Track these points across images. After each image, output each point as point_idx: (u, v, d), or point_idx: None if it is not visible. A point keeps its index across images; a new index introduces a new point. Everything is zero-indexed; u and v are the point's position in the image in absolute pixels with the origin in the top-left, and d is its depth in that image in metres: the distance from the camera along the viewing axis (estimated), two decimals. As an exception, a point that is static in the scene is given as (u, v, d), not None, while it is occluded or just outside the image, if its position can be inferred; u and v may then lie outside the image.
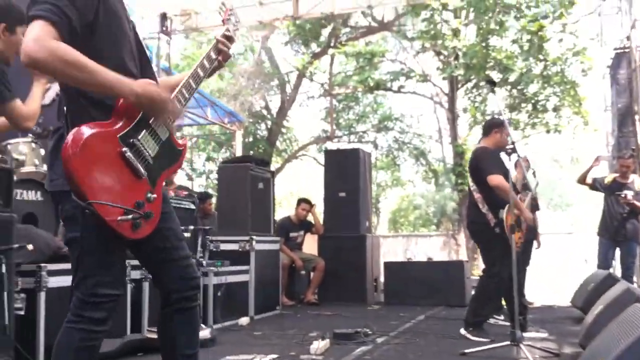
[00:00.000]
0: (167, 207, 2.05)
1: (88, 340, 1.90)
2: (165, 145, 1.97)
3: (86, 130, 1.73)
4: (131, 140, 1.83)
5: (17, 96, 2.74)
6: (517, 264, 3.98)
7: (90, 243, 1.86)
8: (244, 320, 5.64)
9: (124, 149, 1.80)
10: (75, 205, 1.77)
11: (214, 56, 2.25)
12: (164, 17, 9.67)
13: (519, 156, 4.69)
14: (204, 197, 7.98)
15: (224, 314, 5.42)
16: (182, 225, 4.02)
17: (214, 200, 8.51)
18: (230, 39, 2.34)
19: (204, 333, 4.26)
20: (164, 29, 9.70)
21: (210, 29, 10.43)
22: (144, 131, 1.89)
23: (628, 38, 8.29)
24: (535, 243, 6.90)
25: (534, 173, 5.92)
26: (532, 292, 9.30)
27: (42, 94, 2.79)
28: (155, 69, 9.18)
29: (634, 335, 2.01)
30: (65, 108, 1.89)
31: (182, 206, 5.26)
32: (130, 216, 1.78)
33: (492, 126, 4.94)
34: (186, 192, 6.62)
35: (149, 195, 1.87)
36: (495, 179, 4.52)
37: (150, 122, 1.91)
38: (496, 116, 8.66)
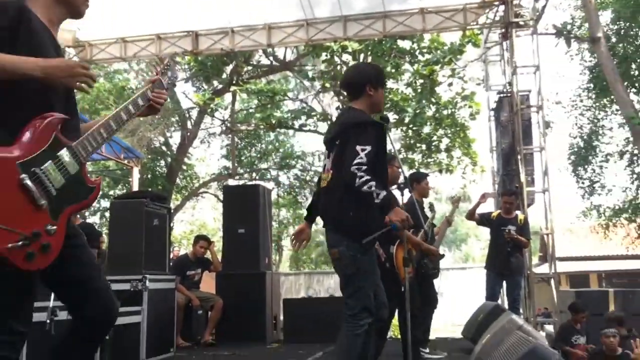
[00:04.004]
0: (81, 239, 2.08)
1: None
2: (73, 180, 1.94)
3: None
4: (32, 168, 1.80)
5: None
6: (415, 298, 4.07)
7: None
8: (134, 364, 5.35)
9: (22, 175, 1.77)
10: None
11: (141, 102, 2.25)
12: (55, 47, 9.29)
13: (411, 192, 4.87)
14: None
15: (114, 358, 5.11)
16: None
17: (105, 237, 8.13)
18: (162, 92, 2.38)
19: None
20: (56, 59, 9.31)
21: (106, 61, 10.14)
22: (50, 162, 1.86)
23: (510, 83, 8.91)
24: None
25: (430, 206, 6.09)
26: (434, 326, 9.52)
27: None
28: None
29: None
30: None
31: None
32: (20, 242, 1.72)
33: None
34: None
35: (49, 227, 1.82)
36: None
37: (58, 154, 1.89)
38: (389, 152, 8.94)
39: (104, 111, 17.91)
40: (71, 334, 2.08)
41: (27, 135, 1.83)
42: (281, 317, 8.29)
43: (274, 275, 8.35)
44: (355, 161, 3.06)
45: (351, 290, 3.27)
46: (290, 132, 20.09)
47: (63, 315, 3.93)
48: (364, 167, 3.04)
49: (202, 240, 7.83)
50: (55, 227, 1.84)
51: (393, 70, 14.12)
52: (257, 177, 20.24)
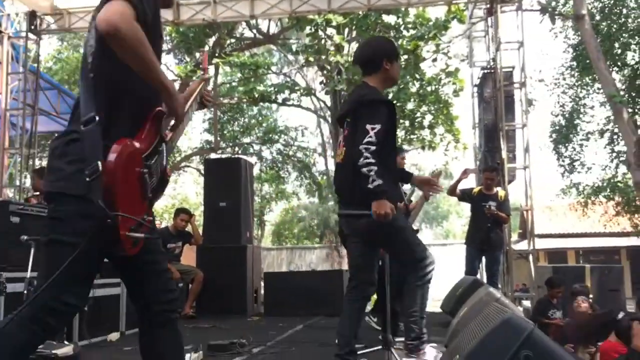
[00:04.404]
0: (152, 222, 2.11)
1: (31, 346, 1.89)
2: (162, 173, 2.08)
3: (126, 149, 1.82)
4: (148, 162, 1.94)
5: None
6: (390, 272, 4.08)
7: (80, 252, 1.81)
8: (113, 336, 5.34)
9: (144, 170, 1.91)
10: (65, 209, 1.86)
11: (196, 105, 2.37)
12: (33, 15, 9.06)
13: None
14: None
15: (92, 330, 5.10)
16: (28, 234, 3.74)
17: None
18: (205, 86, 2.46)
19: (67, 349, 3.97)
20: (33, 27, 9.09)
21: (85, 30, 9.92)
22: (156, 156, 2.01)
23: (493, 59, 8.89)
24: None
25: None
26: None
27: None
28: (21, 70, 8.54)
29: (487, 330, 2.11)
30: (95, 116, 1.87)
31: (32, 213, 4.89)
32: (141, 235, 1.87)
33: None
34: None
35: (146, 217, 1.94)
36: None
37: (161, 148, 2.03)
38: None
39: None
40: (143, 323, 2.12)
41: (146, 129, 1.95)
42: (262, 291, 8.32)
43: (255, 249, 8.36)
44: (365, 140, 3.11)
45: (399, 248, 3.41)
46: (274, 106, 19.97)
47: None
48: (372, 148, 3.09)
49: (183, 213, 7.78)
50: (150, 218, 1.99)
51: (377, 45, 14.02)
52: (239, 152, 20.15)
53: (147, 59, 1.82)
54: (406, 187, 6.19)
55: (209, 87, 2.54)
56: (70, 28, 9.35)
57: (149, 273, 2.08)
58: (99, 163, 1.76)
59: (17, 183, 9.18)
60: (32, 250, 4.18)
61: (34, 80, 9.16)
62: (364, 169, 3.07)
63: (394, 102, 14.58)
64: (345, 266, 16.22)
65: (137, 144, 1.89)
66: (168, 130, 2.10)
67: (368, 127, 3.14)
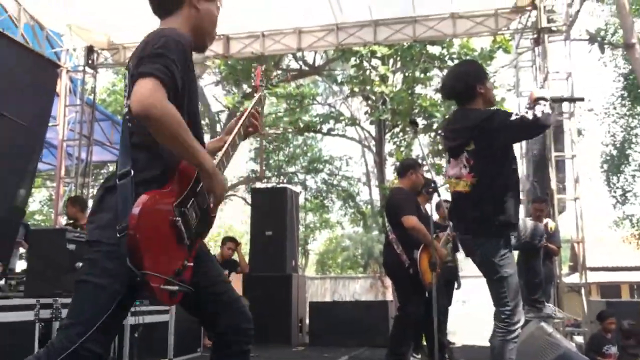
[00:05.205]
0: (209, 256, 2.14)
1: None
2: (204, 212, 2.02)
3: (151, 202, 1.79)
4: (182, 208, 1.89)
5: None
6: (437, 303, 4.05)
7: (109, 299, 1.84)
8: (162, 363, 5.43)
9: (177, 218, 1.86)
10: (102, 252, 1.85)
11: (242, 133, 2.33)
12: (90, 50, 9.48)
13: (440, 197, 4.86)
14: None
15: (141, 357, 5.19)
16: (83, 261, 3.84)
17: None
18: (259, 103, 2.46)
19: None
20: (90, 62, 9.50)
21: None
22: (192, 199, 1.95)
23: (541, 88, 8.79)
24: (455, 283, 7.05)
25: None
26: (458, 333, 9.46)
27: None
28: (78, 102, 8.87)
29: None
30: (130, 170, 1.88)
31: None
32: (176, 288, 1.83)
33: (407, 167, 5.07)
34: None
35: (186, 262, 1.90)
36: (410, 220, 4.62)
37: (197, 190, 1.97)
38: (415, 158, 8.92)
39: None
40: (217, 354, 2.10)
41: (176, 176, 1.91)
42: (307, 321, 8.31)
43: (300, 278, 8.38)
44: (512, 117, 3.09)
45: (501, 291, 3.20)
46: (319, 136, 20.13)
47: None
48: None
49: (229, 241, 7.89)
50: (190, 264, 1.93)
51: (422, 75, 14.06)
52: (284, 181, 20.33)
53: (181, 139, 1.80)
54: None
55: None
56: (126, 62, 9.72)
57: (220, 304, 2.07)
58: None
59: (72, 211, 9.48)
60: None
61: (90, 112, 9.55)
62: (537, 113, 3.03)
63: (439, 131, 14.55)
64: (389, 297, 16.03)
65: (164, 194, 1.86)
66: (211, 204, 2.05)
67: (505, 121, 3.12)
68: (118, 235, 1.77)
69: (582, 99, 4.02)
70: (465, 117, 3.40)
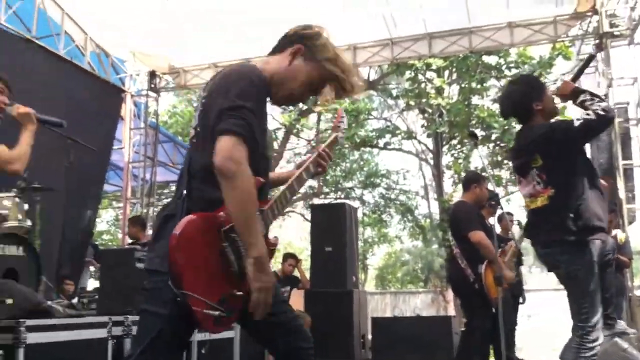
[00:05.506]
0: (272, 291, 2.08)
1: None
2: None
3: (194, 224, 1.82)
4: (232, 234, 1.88)
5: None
6: (503, 318, 3.97)
7: (168, 329, 1.88)
8: (228, 379, 5.50)
9: (225, 244, 1.87)
10: (160, 281, 1.85)
11: (312, 170, 2.32)
12: (152, 75, 9.83)
13: (502, 210, 4.77)
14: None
15: (208, 372, 5.28)
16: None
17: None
18: (332, 144, 2.46)
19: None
20: (153, 86, 9.85)
21: (199, 86, 10.61)
22: None
23: (605, 96, 8.52)
24: (520, 298, 6.88)
25: (519, 224, 5.91)
26: (525, 348, 9.19)
27: (30, 139, 2.77)
28: (142, 125, 9.17)
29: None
30: (185, 196, 1.93)
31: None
32: (217, 313, 1.81)
33: (471, 181, 5.01)
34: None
35: (235, 291, 1.88)
36: (477, 236, 4.55)
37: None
38: (477, 171, 8.78)
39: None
40: None
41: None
42: (369, 336, 8.26)
43: (361, 294, 8.36)
44: (575, 124, 3.10)
45: (583, 306, 3.11)
46: (375, 150, 20.12)
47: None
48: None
49: (290, 258, 7.97)
50: (240, 293, 1.89)
51: (478, 86, 13.88)
52: (342, 196, 20.37)
53: (244, 208, 1.82)
54: (515, 230, 6.02)
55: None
56: (186, 85, 10.04)
57: (277, 325, 2.06)
58: None
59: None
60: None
61: (154, 134, 9.89)
62: (594, 108, 3.04)
63: (497, 142, 14.29)
64: (451, 311, 15.74)
65: (213, 219, 1.87)
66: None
67: (574, 129, 3.11)
68: None
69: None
70: (524, 135, 3.42)
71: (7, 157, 2.59)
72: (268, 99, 2.07)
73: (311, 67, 2.08)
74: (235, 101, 1.87)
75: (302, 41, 2.08)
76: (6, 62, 6.43)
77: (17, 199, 4.68)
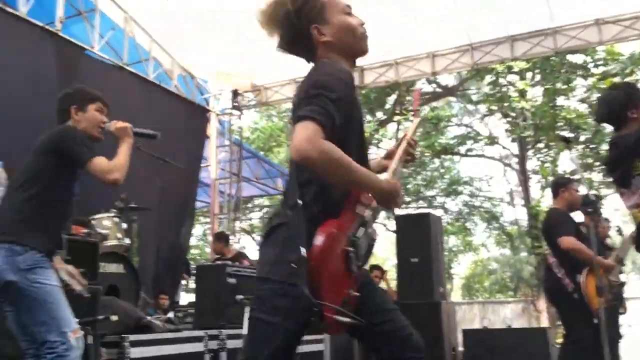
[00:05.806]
0: (371, 285, 2.11)
1: None
2: (372, 242, 2.03)
3: (331, 233, 1.81)
4: (354, 239, 1.89)
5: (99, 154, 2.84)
6: (607, 329, 3.77)
7: (279, 337, 1.88)
8: (319, 392, 5.53)
9: (350, 248, 1.87)
10: (268, 289, 1.87)
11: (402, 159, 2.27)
12: (235, 93, 10.13)
13: (600, 215, 4.54)
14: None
15: (299, 386, 5.33)
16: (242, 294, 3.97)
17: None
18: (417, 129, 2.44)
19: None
20: (235, 104, 10.14)
21: (280, 102, 10.83)
22: (363, 229, 1.95)
23: None
24: (621, 309, 6.49)
25: (618, 230, 5.59)
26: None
27: (128, 151, 2.90)
28: (227, 142, 9.45)
29: None
30: (299, 204, 1.90)
31: (245, 274, 5.27)
32: (347, 320, 1.81)
33: (558, 186, 4.83)
34: (246, 261, 6.80)
35: (351, 291, 1.89)
36: (566, 241, 4.35)
37: (366, 220, 1.97)
38: (565, 175, 8.42)
39: (277, 148, 19.04)
40: None
41: (352, 204, 1.92)
42: (459, 348, 8.06)
43: (449, 305, 8.18)
44: None
45: None
46: (456, 157, 19.76)
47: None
48: None
49: (376, 269, 7.94)
50: (355, 293, 1.90)
51: (564, 87, 13.35)
52: (424, 205, 20.11)
53: (346, 177, 1.82)
54: (614, 236, 5.71)
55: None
56: (267, 102, 10.28)
57: (382, 333, 2.03)
58: (302, 249, 1.74)
59: (225, 245, 10.10)
60: (246, 309, 4.55)
61: (238, 151, 10.17)
62: None
63: (587, 144, 13.66)
64: (544, 321, 15.11)
65: (339, 224, 1.86)
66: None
67: None
68: (292, 265, 1.75)
69: None
70: (617, 145, 3.31)
71: (106, 167, 2.72)
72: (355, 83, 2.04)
73: (330, 18, 2.06)
74: (316, 90, 1.85)
75: (307, 18, 2.04)
76: (102, 88, 6.81)
77: (116, 219, 4.93)
